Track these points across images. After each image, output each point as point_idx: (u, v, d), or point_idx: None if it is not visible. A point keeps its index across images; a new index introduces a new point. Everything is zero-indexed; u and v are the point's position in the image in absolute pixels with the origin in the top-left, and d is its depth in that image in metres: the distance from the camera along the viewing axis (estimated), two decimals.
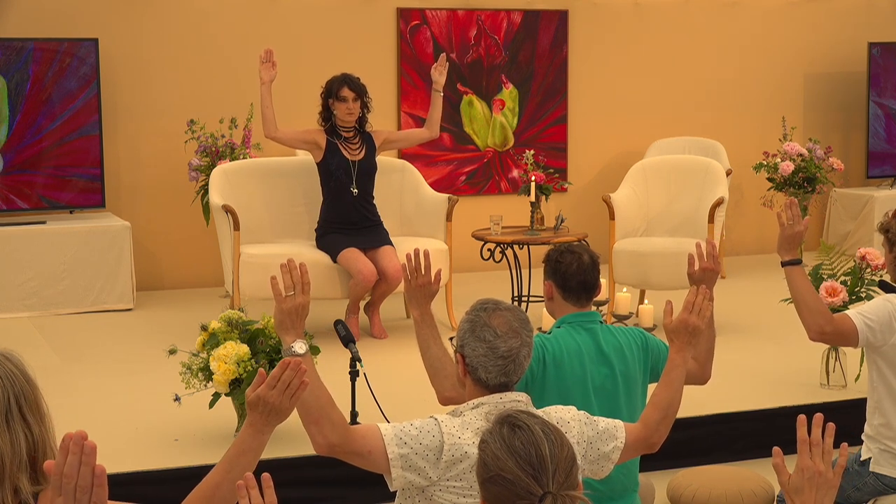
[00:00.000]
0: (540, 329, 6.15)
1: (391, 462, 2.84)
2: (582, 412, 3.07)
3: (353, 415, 5.20)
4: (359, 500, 5.02)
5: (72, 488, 1.58)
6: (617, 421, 3.14)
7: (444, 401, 3.49)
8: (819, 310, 3.99)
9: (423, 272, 3.53)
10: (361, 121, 7.17)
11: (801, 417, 2.34)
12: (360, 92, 7.08)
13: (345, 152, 7.08)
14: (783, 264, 4.05)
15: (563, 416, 3.01)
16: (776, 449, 2.32)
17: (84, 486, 1.57)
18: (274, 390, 2.50)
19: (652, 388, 4.00)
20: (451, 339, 3.18)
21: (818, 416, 2.37)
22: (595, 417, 3.09)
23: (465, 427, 2.88)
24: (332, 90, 7.08)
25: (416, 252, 3.54)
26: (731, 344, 6.80)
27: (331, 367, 4.64)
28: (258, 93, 8.73)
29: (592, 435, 3.03)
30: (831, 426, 2.36)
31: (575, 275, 3.88)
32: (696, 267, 3.83)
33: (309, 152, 7.23)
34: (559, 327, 3.88)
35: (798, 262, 4.04)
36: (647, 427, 3.20)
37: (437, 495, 2.87)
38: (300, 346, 2.90)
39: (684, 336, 3.28)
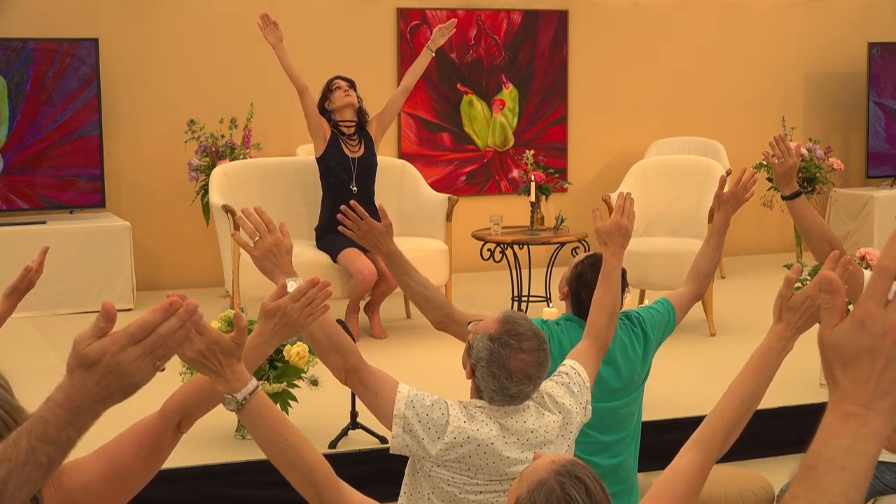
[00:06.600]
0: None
1: (394, 418, 2.89)
2: (553, 387, 3.11)
3: (353, 415, 5.20)
4: None
5: (155, 345, 1.49)
6: (571, 363, 3.21)
7: (439, 326, 3.55)
8: (827, 237, 3.88)
9: (361, 220, 3.46)
10: (361, 118, 7.19)
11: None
12: (351, 82, 7.17)
13: (345, 149, 7.10)
14: (784, 198, 3.94)
15: (566, 402, 3.07)
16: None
17: (173, 346, 1.52)
18: (297, 304, 2.41)
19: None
20: (469, 324, 3.20)
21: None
22: (560, 381, 3.13)
23: (471, 418, 2.95)
24: (325, 90, 7.20)
25: (344, 209, 3.48)
26: (730, 344, 6.80)
27: None
28: (258, 93, 8.73)
29: (581, 400, 3.12)
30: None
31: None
32: (726, 189, 3.88)
33: (312, 140, 7.21)
34: (567, 320, 3.89)
35: (799, 195, 3.91)
36: (598, 337, 3.31)
37: (434, 471, 2.92)
38: (291, 285, 2.62)
39: (617, 238, 3.41)
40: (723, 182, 3.95)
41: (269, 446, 2.30)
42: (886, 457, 4.17)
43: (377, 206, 3.61)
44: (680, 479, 2.35)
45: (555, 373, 3.16)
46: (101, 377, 1.50)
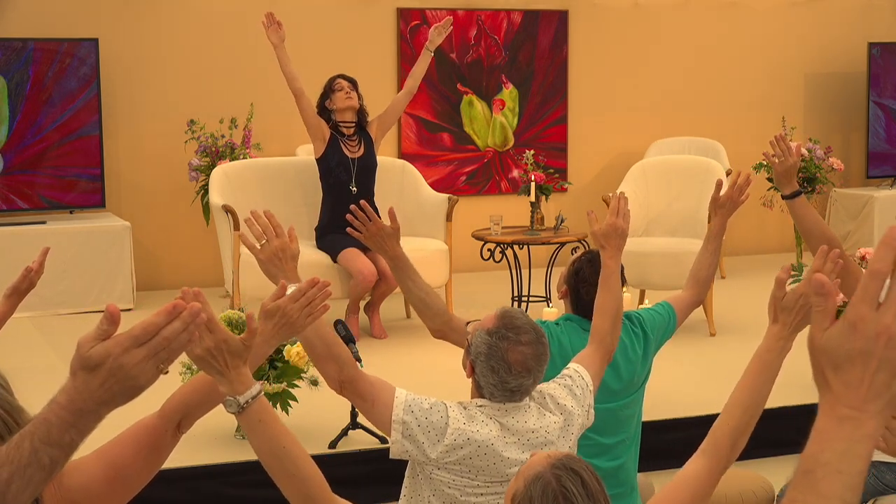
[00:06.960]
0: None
1: (393, 424, 2.89)
2: (555, 388, 3.11)
3: (353, 415, 5.21)
4: (358, 500, 5.01)
5: (159, 348, 1.50)
6: (575, 367, 3.20)
7: (437, 334, 3.52)
8: (826, 237, 3.84)
9: (369, 221, 3.43)
10: (362, 118, 7.19)
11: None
12: (354, 82, 7.15)
13: (345, 149, 7.10)
14: (784, 198, 3.91)
15: (567, 404, 3.04)
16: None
17: (176, 349, 1.52)
18: (296, 304, 2.39)
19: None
20: (467, 324, 3.19)
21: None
22: (563, 383, 3.13)
23: (471, 419, 2.94)
24: (326, 88, 7.19)
25: (354, 208, 3.45)
26: (730, 344, 6.81)
27: None
28: (258, 93, 8.74)
29: (584, 403, 3.12)
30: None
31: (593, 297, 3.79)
32: (723, 192, 3.88)
33: (311, 141, 7.22)
34: (567, 320, 3.88)
35: (799, 194, 3.88)
36: (602, 342, 3.30)
37: (435, 474, 2.93)
38: (291, 287, 2.54)
39: (614, 240, 3.39)
40: (719, 186, 3.94)
41: (266, 453, 2.28)
42: (887, 457, 4.17)
43: (388, 209, 3.57)
44: (685, 486, 2.36)
45: (558, 375, 3.16)
46: (104, 380, 1.50)
